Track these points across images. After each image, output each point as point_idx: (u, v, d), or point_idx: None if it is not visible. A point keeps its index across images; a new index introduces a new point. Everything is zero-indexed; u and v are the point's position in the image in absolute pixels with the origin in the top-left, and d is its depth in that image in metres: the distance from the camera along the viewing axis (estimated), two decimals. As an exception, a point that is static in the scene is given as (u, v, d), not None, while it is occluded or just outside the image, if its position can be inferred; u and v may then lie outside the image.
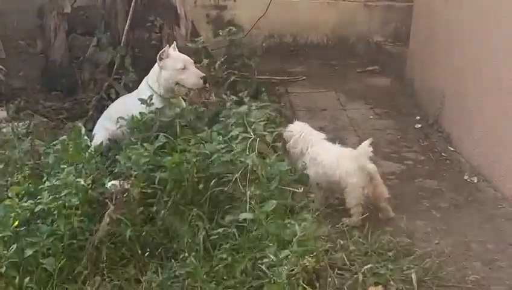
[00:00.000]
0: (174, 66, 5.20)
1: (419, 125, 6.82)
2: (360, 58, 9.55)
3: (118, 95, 6.12)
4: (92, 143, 5.47)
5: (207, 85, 5.35)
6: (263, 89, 7.60)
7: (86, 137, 5.57)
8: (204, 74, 5.20)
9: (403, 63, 8.24)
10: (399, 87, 8.10)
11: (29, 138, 5.30)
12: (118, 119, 5.19)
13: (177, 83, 5.22)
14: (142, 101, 5.05)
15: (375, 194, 4.61)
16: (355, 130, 6.73)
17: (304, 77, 8.61)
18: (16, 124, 5.94)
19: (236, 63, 7.41)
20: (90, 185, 4.16)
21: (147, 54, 6.30)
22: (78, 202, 4.02)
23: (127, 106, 5.35)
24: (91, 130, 5.68)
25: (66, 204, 3.93)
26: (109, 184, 4.43)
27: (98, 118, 5.82)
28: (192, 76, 5.19)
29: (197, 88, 5.22)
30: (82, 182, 3.98)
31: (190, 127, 4.99)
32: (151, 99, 5.06)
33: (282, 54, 9.57)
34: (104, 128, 5.54)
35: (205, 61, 5.65)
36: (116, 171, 4.45)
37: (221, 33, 5.59)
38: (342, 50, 9.64)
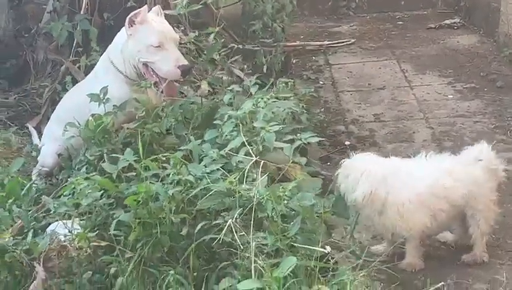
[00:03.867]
0: (145, 40, 4.47)
1: (525, 107, 6.09)
2: (433, 8, 8.99)
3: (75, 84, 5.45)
4: (39, 159, 4.94)
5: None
6: (293, 62, 6.97)
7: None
8: (187, 63, 4.47)
9: (494, 12, 7.54)
10: (490, 49, 7.43)
11: None
12: (65, 125, 4.49)
13: (144, 64, 4.51)
14: (93, 97, 4.34)
15: None
16: (427, 118, 6.01)
17: (353, 40, 7.98)
18: None
19: (254, 27, 6.76)
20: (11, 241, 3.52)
21: (123, 23, 5.70)
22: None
23: (77, 101, 4.72)
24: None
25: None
26: (50, 228, 3.78)
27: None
28: (168, 61, 4.44)
29: (172, 79, 4.49)
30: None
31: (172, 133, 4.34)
32: (106, 92, 4.35)
33: (322, 8, 9.00)
34: (53, 138, 4.89)
35: (192, 35, 4.87)
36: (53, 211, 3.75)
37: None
38: (407, -4, 9.04)
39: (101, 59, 4.81)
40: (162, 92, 4.50)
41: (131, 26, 4.53)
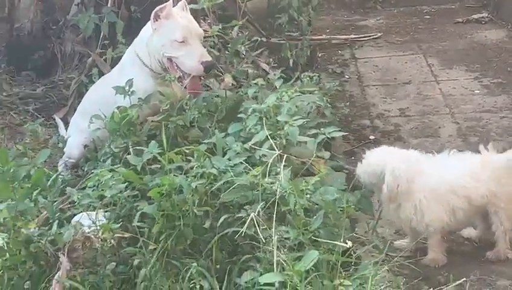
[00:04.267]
0: (170, 35, 4.48)
1: (553, 103, 6.00)
2: (461, 2, 8.90)
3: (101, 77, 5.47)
4: (65, 150, 4.98)
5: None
6: (319, 56, 6.95)
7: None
8: (210, 59, 4.48)
9: (524, 6, 7.45)
10: (519, 44, 7.30)
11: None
12: (91, 118, 4.53)
13: (168, 59, 4.53)
14: (119, 89, 4.37)
15: None
16: (453, 113, 5.93)
17: (379, 34, 7.91)
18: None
19: (280, 20, 6.77)
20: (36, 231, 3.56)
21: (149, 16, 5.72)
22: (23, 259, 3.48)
23: (103, 93, 4.75)
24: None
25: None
26: (75, 220, 3.80)
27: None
28: (191, 56, 4.46)
29: (195, 75, 4.50)
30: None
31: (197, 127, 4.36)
32: (131, 85, 4.37)
33: (348, 1, 8.97)
34: (79, 130, 4.93)
35: (215, 28, 4.88)
36: (78, 203, 3.76)
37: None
38: (437, -10, 8.94)
39: (127, 52, 4.83)
40: (185, 87, 4.51)
41: (157, 20, 4.54)
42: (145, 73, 4.61)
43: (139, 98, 4.42)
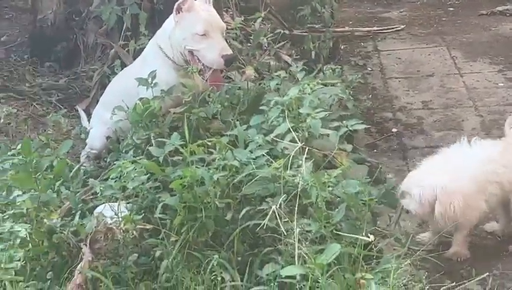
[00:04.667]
0: (191, 28, 4.48)
1: None
2: (486, -6, 8.79)
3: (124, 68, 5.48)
4: (87, 141, 5.00)
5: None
6: (341, 48, 6.92)
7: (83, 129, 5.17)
8: (231, 52, 4.48)
9: (549, -2, 7.37)
10: (543, 37, 7.23)
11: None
12: (114, 109, 4.54)
13: (190, 52, 4.53)
14: (141, 81, 4.37)
15: None
16: (476, 106, 5.88)
17: (402, 26, 7.84)
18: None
19: (303, 11, 6.74)
20: (59, 222, 3.57)
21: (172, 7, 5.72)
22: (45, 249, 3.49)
23: (126, 85, 4.76)
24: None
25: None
26: (97, 211, 3.81)
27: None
28: (212, 50, 4.46)
29: (216, 68, 4.50)
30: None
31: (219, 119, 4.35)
32: (154, 77, 4.38)
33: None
34: (102, 121, 4.94)
35: (238, 20, 4.87)
36: (100, 194, 3.77)
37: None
38: (461, -18, 8.86)
39: (150, 44, 4.84)
40: (206, 80, 4.52)
41: (179, 12, 4.55)
42: (168, 65, 4.61)
43: (161, 90, 4.43)
